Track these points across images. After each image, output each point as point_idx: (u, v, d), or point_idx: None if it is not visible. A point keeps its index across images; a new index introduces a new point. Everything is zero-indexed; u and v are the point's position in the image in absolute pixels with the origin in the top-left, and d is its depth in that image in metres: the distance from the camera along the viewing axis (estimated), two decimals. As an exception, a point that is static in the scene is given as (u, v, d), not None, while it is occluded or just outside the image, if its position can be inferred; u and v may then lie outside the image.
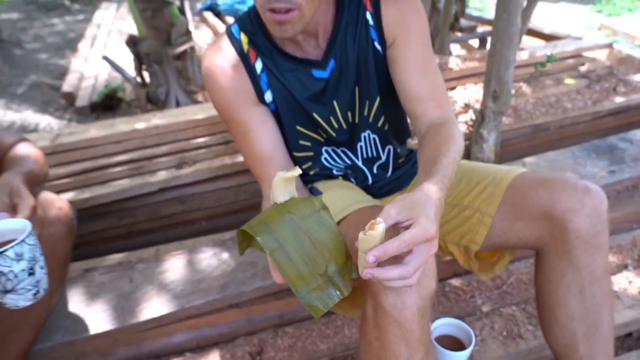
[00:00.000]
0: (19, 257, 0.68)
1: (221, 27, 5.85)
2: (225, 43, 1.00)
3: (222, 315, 1.23)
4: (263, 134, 1.02)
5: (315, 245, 0.69)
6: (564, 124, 1.95)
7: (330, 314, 1.31)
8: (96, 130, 1.58)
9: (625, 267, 1.41)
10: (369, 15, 0.98)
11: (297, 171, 0.68)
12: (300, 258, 0.68)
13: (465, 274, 1.44)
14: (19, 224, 0.74)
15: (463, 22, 3.77)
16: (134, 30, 6.01)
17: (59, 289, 1.11)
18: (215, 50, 1.00)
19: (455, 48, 4.36)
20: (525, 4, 1.71)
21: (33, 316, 1.03)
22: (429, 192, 0.74)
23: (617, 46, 2.71)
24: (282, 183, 0.68)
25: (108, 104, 3.97)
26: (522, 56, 2.09)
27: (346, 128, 1.07)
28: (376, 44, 1.00)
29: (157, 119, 1.63)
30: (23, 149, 1.04)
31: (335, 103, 1.03)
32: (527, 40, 3.39)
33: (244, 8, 6.46)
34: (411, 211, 0.68)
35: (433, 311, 1.29)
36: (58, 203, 0.96)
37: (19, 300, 0.71)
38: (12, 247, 0.68)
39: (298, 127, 1.05)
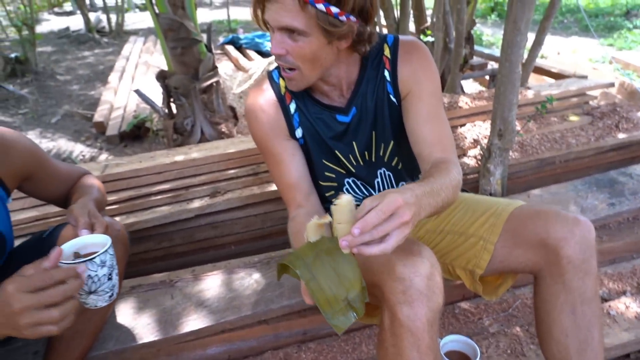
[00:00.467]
0: (102, 264, 0.84)
1: (243, 61, 6.14)
2: (267, 85, 1.18)
3: (252, 330, 1.37)
4: (292, 165, 1.19)
5: (339, 276, 0.85)
6: (568, 158, 2.08)
7: (349, 331, 1.44)
8: (140, 162, 1.77)
9: (624, 293, 1.52)
10: (386, 73, 1.15)
11: (328, 219, 0.83)
12: (328, 287, 0.84)
13: (474, 297, 1.55)
14: (99, 239, 0.90)
15: (475, 59, 3.96)
16: (159, 63, 6.36)
17: (114, 303, 1.26)
18: (258, 91, 1.19)
19: (468, 82, 4.55)
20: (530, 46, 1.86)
21: (92, 325, 1.18)
22: (406, 186, 0.85)
23: (627, 79, 2.84)
24: (315, 227, 0.84)
25: (136, 133, 4.18)
26: (528, 95, 2.24)
27: (364, 165, 1.23)
28: (392, 97, 1.16)
29: (194, 152, 1.81)
30: (89, 180, 1.22)
31: (354, 143, 1.20)
32: (539, 78, 3.55)
33: (264, 42, 6.77)
34: (382, 197, 0.78)
35: (443, 330, 1.41)
36: (117, 226, 1.12)
37: (99, 300, 0.87)
38: (98, 255, 0.84)
39: (324, 161, 1.22)
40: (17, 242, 1.20)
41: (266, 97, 1.17)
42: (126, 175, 1.69)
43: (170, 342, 1.29)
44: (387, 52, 1.15)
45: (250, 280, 1.44)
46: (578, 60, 4.95)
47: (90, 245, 0.89)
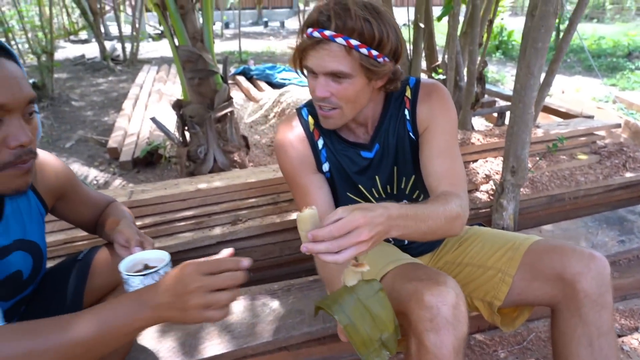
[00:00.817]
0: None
1: (254, 91, 6.29)
2: (296, 122, 1.26)
3: (273, 356, 1.39)
4: (318, 197, 1.25)
5: (374, 319, 0.90)
6: (577, 195, 2.14)
7: (367, 360, 1.46)
8: (165, 189, 1.83)
9: (636, 329, 1.55)
10: (406, 112, 1.22)
11: (366, 267, 0.87)
12: (364, 329, 0.89)
13: (489, 329, 1.58)
14: (155, 254, 0.96)
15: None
16: (172, 91, 6.50)
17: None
18: (288, 127, 1.26)
19: (475, 119, 4.66)
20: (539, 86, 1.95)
21: (122, 346, 1.22)
22: (384, 204, 0.86)
23: (631, 119, 2.92)
24: (352, 272, 0.89)
25: (149, 160, 4.26)
26: (538, 133, 2.32)
27: (386, 197, 1.30)
28: (411, 134, 1.24)
29: (216, 181, 1.88)
30: (120, 207, 1.28)
31: (377, 178, 1.27)
32: (546, 116, 3.65)
33: (274, 74, 6.96)
34: (349, 211, 0.80)
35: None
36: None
37: None
38: (163, 267, 0.90)
39: (348, 194, 1.28)
40: (48, 264, 1.25)
41: (296, 133, 1.24)
42: (151, 202, 1.75)
43: (193, 366, 1.32)
44: (408, 93, 1.24)
45: (271, 306, 1.48)
46: (582, 98, 5.08)
47: (146, 260, 0.94)
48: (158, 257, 0.95)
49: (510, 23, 9.37)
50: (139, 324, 0.74)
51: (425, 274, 1.03)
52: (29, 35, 7.65)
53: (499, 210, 1.81)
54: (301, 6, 15.89)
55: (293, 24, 17.44)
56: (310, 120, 1.25)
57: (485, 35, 2.75)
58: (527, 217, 2.14)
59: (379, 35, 1.02)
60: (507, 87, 5.96)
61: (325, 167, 1.26)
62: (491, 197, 2.02)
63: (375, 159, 1.25)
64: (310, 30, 1.04)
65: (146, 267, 0.92)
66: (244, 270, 0.75)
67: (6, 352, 0.69)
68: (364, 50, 1.02)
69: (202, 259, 0.75)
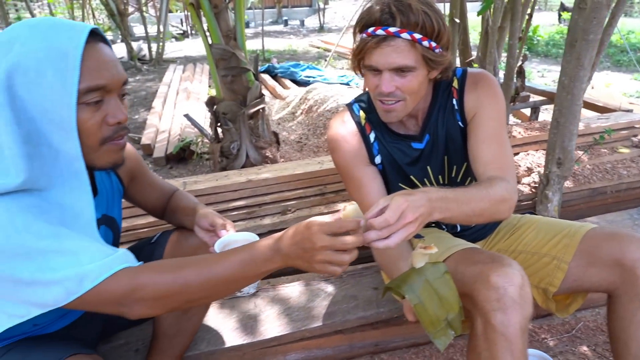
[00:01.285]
0: None
1: (280, 89, 6.37)
2: (348, 117, 1.30)
3: (329, 339, 1.45)
4: (373, 188, 1.29)
5: (440, 299, 0.95)
6: (620, 188, 2.14)
7: (419, 344, 1.51)
8: (216, 180, 1.90)
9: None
10: (454, 102, 1.26)
11: (434, 249, 0.92)
12: (432, 309, 0.94)
13: (536, 318, 1.61)
14: (242, 236, 1.02)
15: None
16: (198, 89, 6.60)
17: (209, 307, 1.37)
18: (340, 122, 1.30)
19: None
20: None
21: (192, 325, 1.28)
22: (423, 188, 0.91)
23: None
24: (420, 255, 0.94)
25: (181, 155, 4.35)
26: (579, 127, 2.32)
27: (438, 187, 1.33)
28: (460, 123, 1.27)
29: (264, 173, 1.94)
30: (187, 195, 1.34)
31: (428, 168, 1.31)
32: (584, 110, 3.62)
33: (298, 71, 7.03)
34: (391, 199, 0.84)
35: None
36: None
37: (250, 288, 0.98)
38: None
39: (400, 184, 1.32)
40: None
41: (348, 128, 1.29)
42: (205, 192, 1.82)
43: (254, 347, 1.38)
44: (455, 83, 1.27)
45: (326, 292, 1.54)
46: (612, 93, 5.01)
47: (233, 242, 1.01)
48: (246, 238, 1.01)
49: (534, 18, 9.26)
50: (271, 266, 0.83)
51: (489, 257, 1.06)
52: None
53: (543, 202, 1.84)
54: (320, 4, 15.95)
55: (313, 22, 17.49)
56: (362, 114, 1.30)
57: (524, 30, 2.76)
58: (568, 210, 2.15)
59: (437, 27, 1.07)
60: (534, 83, 5.91)
61: (377, 159, 1.30)
62: (533, 190, 2.04)
63: (425, 149, 1.29)
64: (372, 29, 1.07)
65: None
66: (360, 236, 0.81)
67: (166, 280, 0.80)
68: (425, 43, 1.06)
69: (325, 219, 0.81)
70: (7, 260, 0.75)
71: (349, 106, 1.33)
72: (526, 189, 2.06)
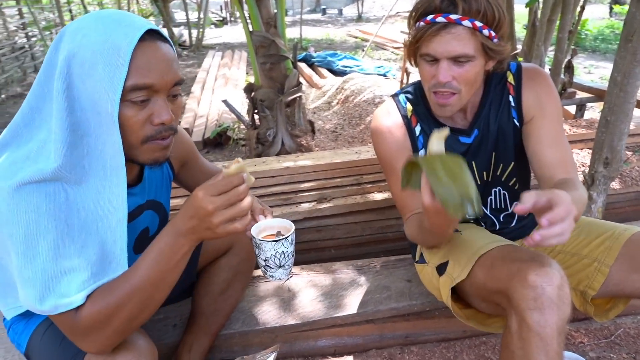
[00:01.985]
0: (292, 242, 0.98)
1: (316, 78, 6.37)
2: (393, 108, 1.29)
3: (360, 328, 1.46)
4: None
5: (455, 176, 0.88)
6: (669, 192, 2.05)
7: (450, 339, 1.50)
8: (255, 165, 1.94)
9: None
10: (511, 98, 1.23)
11: (447, 130, 0.91)
12: (446, 181, 0.88)
13: (574, 321, 1.57)
14: (278, 222, 1.04)
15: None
16: (236, 76, 6.68)
17: (245, 289, 1.40)
18: (385, 112, 1.30)
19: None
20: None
21: (229, 305, 1.32)
22: (555, 190, 0.89)
23: None
24: (436, 137, 0.92)
25: (218, 140, 4.43)
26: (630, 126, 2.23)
27: (480, 184, 1.31)
28: (515, 121, 1.24)
29: (301, 160, 1.96)
30: None
31: (474, 163, 1.28)
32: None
33: (335, 61, 7.01)
34: (551, 193, 0.86)
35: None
36: None
37: (282, 274, 1.00)
38: (291, 234, 0.98)
39: None
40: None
41: (393, 120, 1.28)
42: (243, 177, 1.86)
43: (286, 330, 1.41)
44: (510, 78, 1.24)
45: (358, 281, 1.55)
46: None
47: (269, 228, 1.03)
48: (282, 224, 1.03)
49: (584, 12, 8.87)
50: (183, 249, 0.83)
51: (528, 255, 1.04)
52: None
53: (587, 202, 1.78)
54: (360, -7, 15.78)
55: (351, 11, 17.32)
56: (409, 107, 1.28)
57: (575, 23, 2.66)
58: (612, 212, 2.07)
59: (498, 15, 1.05)
60: (580, 79, 5.68)
61: (422, 153, 1.29)
62: (576, 190, 1.98)
63: (473, 144, 1.26)
64: (431, 17, 1.05)
65: (279, 234, 1.01)
66: (244, 182, 0.82)
67: (97, 311, 0.81)
68: (486, 32, 1.04)
69: (209, 182, 0.81)
70: (13, 252, 0.79)
71: (395, 97, 1.31)
72: (568, 189, 2.00)
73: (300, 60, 7.34)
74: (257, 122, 3.88)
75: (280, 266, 0.99)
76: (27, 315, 1.04)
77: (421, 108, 1.28)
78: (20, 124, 0.87)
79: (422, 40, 1.08)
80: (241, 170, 0.84)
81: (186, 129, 4.58)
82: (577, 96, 3.14)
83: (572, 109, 3.38)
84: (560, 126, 1.24)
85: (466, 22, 1.03)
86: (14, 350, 1.29)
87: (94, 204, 0.86)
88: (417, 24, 1.10)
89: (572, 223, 0.85)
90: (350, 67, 6.67)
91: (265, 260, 0.99)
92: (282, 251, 0.97)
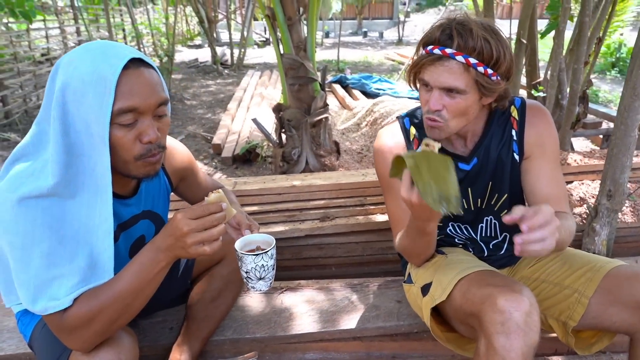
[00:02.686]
0: (271, 257, 1.06)
1: (349, 100, 6.48)
2: (397, 129, 1.35)
3: (347, 344, 1.51)
4: None
5: (438, 177, 0.93)
6: (686, 228, 1.98)
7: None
8: (264, 182, 2.04)
9: None
10: (513, 132, 1.27)
11: (438, 146, 0.97)
12: (426, 176, 0.93)
13: (567, 353, 1.55)
14: (262, 237, 1.12)
15: (588, 117, 3.84)
16: (272, 95, 6.89)
17: (237, 298, 1.49)
18: (388, 133, 1.35)
19: (579, 140, 4.40)
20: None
21: (219, 312, 1.40)
22: (549, 207, 0.94)
23: None
24: (427, 145, 0.98)
25: (247, 157, 4.58)
26: (645, 159, 2.19)
27: (473, 210, 1.34)
28: (515, 155, 1.28)
29: (309, 179, 2.05)
30: (229, 193, 1.47)
31: (469, 190, 1.32)
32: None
33: (369, 83, 7.10)
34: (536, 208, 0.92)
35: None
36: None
37: (263, 286, 1.08)
38: (272, 249, 1.06)
39: None
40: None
41: (395, 140, 1.34)
42: (252, 193, 1.96)
43: (275, 341, 1.48)
44: (514, 113, 1.28)
45: (349, 299, 1.60)
46: None
47: (253, 242, 1.11)
48: (265, 239, 1.11)
49: (631, 39, 8.60)
50: (160, 265, 0.94)
51: (502, 281, 1.07)
52: (155, 39, 8.59)
53: (590, 234, 1.76)
54: (401, 17, 15.94)
55: (392, 34, 17.49)
56: (412, 130, 1.34)
57: (592, 54, 2.63)
58: (625, 247, 2.02)
59: (497, 55, 1.09)
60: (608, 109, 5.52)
61: None
62: (584, 221, 1.95)
63: (471, 172, 1.30)
64: (430, 47, 1.11)
65: (258, 248, 1.09)
66: (224, 210, 0.92)
67: (81, 313, 0.92)
68: (480, 69, 1.08)
69: (190, 207, 0.92)
70: (11, 258, 0.92)
71: (400, 119, 1.37)
72: (577, 219, 1.97)
73: (334, 82, 7.48)
74: (284, 141, 4.00)
75: (260, 278, 1.06)
76: None
77: (424, 132, 1.33)
78: (30, 143, 1.00)
79: (420, 67, 1.15)
80: (220, 199, 0.95)
81: (218, 145, 4.77)
82: (603, 125, 3.07)
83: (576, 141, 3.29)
84: (558, 164, 1.29)
85: (459, 58, 1.08)
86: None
87: (86, 217, 0.97)
88: (421, 51, 1.16)
89: (554, 231, 0.90)
90: (384, 90, 6.74)
91: (246, 273, 1.07)
92: (262, 264, 1.04)
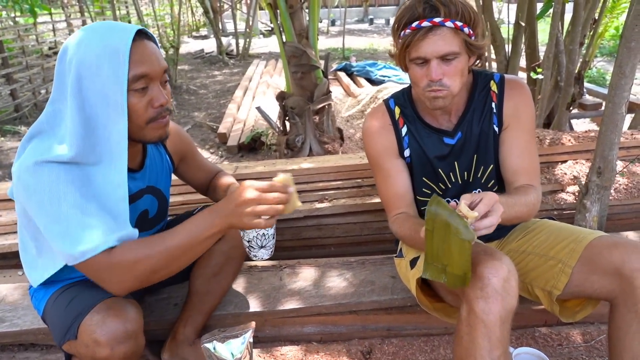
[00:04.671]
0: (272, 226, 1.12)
1: (353, 87, 6.49)
2: (383, 111, 1.41)
3: (343, 318, 1.58)
4: (399, 179, 1.40)
5: (448, 248, 1.01)
6: (679, 205, 2.01)
7: (430, 335, 1.59)
8: (263, 167, 2.10)
9: None
10: (493, 105, 1.32)
11: (475, 214, 0.99)
12: (437, 246, 1.02)
13: (557, 324, 1.60)
14: None
15: (591, 98, 3.84)
16: (277, 83, 6.93)
17: (237, 274, 1.56)
18: (376, 116, 1.42)
19: (581, 122, 4.39)
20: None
21: (221, 288, 1.48)
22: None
23: None
24: (463, 208, 1.01)
25: (252, 145, 4.64)
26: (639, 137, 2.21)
27: (461, 184, 1.40)
28: (495, 127, 1.33)
29: (308, 163, 2.11)
30: (228, 175, 1.53)
31: (456, 163, 1.38)
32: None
33: (374, 70, 7.09)
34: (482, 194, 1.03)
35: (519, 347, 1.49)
36: None
37: (264, 254, 1.15)
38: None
39: (424, 179, 1.41)
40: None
41: (382, 122, 1.40)
42: (252, 177, 2.02)
43: (275, 315, 1.55)
44: (494, 87, 1.33)
45: (346, 276, 1.66)
46: None
47: None
48: None
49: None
50: (215, 229, 0.99)
51: (482, 250, 1.13)
52: (160, 31, 8.64)
53: (582, 211, 1.80)
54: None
55: (399, 21, 17.31)
56: (397, 109, 1.40)
57: (589, 35, 2.64)
58: (618, 224, 2.06)
59: (474, 15, 1.18)
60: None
61: (407, 152, 1.39)
62: (577, 199, 1.99)
63: (456, 145, 1.36)
64: (416, 23, 1.16)
65: None
66: (289, 193, 0.97)
67: (129, 256, 0.99)
68: (466, 30, 1.17)
69: (260, 182, 0.97)
70: (42, 216, 0.98)
71: (386, 102, 1.43)
72: (570, 198, 2.01)
73: (339, 70, 7.49)
74: (288, 128, 4.05)
75: (262, 247, 1.13)
76: (46, 284, 1.24)
77: (409, 110, 1.39)
78: (44, 121, 1.09)
79: (411, 45, 1.19)
80: (287, 182, 1.00)
81: (223, 134, 4.83)
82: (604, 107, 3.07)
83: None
84: (533, 137, 1.35)
85: (449, 23, 1.15)
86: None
87: (102, 185, 1.05)
88: (402, 32, 1.21)
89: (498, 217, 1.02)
90: (389, 77, 6.74)
91: (248, 242, 1.14)
92: (263, 233, 1.11)
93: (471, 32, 1.18)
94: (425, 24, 1.15)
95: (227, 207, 0.97)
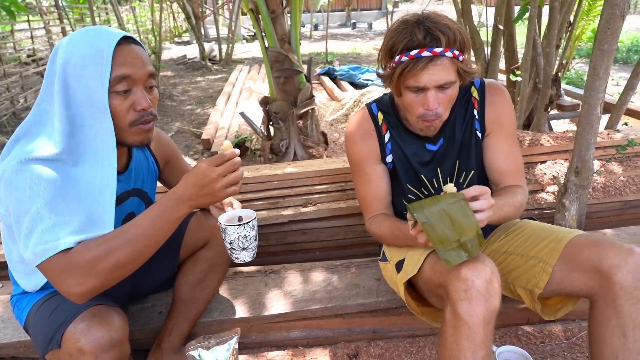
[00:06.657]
0: (253, 227, 1.13)
1: (337, 91, 6.52)
2: (366, 116, 1.42)
3: (329, 321, 1.58)
4: (379, 184, 1.41)
5: (453, 222, 1.04)
6: (655, 202, 2.06)
7: (414, 336, 1.60)
8: (248, 172, 2.10)
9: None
10: (475, 112, 1.35)
11: (453, 188, 1.06)
12: (441, 229, 1.04)
13: (539, 322, 1.63)
14: (243, 212, 1.19)
15: (568, 99, 3.92)
16: (261, 89, 6.92)
17: (222, 281, 1.55)
18: (358, 120, 1.43)
19: (560, 123, 4.48)
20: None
21: (206, 295, 1.47)
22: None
23: None
24: (449, 190, 1.08)
25: (237, 151, 4.64)
26: (616, 137, 2.26)
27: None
28: (478, 132, 1.36)
29: (292, 168, 2.11)
30: None
31: (439, 169, 1.40)
32: (636, 122, 3.43)
33: (357, 74, 7.14)
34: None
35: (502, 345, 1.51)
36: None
37: (246, 256, 1.15)
38: (252, 220, 1.13)
39: (408, 185, 1.42)
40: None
41: (365, 127, 1.40)
42: (236, 182, 2.02)
43: (261, 321, 1.55)
44: (475, 93, 1.36)
45: (331, 279, 1.67)
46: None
47: (236, 216, 1.18)
48: (247, 213, 1.18)
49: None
50: (178, 214, 1.00)
51: None
52: (141, 37, 8.57)
53: (561, 210, 1.84)
54: (390, 7, 15.93)
55: (381, 25, 17.50)
56: (380, 115, 1.41)
57: (566, 37, 2.70)
58: (597, 222, 2.11)
59: (466, 41, 1.19)
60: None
61: (389, 158, 1.41)
62: (557, 199, 2.03)
63: (439, 152, 1.38)
64: (415, 52, 1.15)
65: (239, 219, 1.16)
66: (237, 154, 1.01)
67: (88, 255, 0.94)
68: (461, 57, 1.18)
69: (211, 157, 1.00)
70: (17, 212, 0.97)
71: (368, 106, 1.44)
72: (550, 197, 2.05)
73: (323, 74, 7.51)
74: (272, 133, 4.05)
75: (243, 248, 1.13)
76: (28, 293, 1.22)
77: (392, 117, 1.40)
78: (31, 122, 1.09)
79: (410, 74, 1.17)
80: (230, 147, 1.04)
81: (207, 140, 4.81)
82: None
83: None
84: (514, 139, 1.39)
85: (448, 53, 1.15)
86: (20, 329, 1.48)
87: (87, 183, 1.05)
88: (398, 58, 1.18)
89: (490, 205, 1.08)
90: (372, 80, 6.79)
91: (230, 244, 1.14)
92: (245, 235, 1.11)
93: (464, 58, 1.19)
94: (425, 53, 1.14)
95: (191, 190, 0.99)
